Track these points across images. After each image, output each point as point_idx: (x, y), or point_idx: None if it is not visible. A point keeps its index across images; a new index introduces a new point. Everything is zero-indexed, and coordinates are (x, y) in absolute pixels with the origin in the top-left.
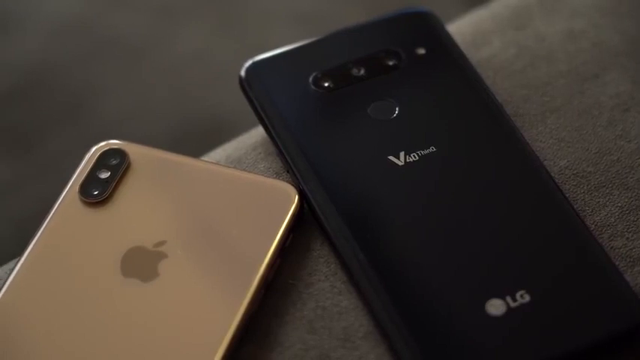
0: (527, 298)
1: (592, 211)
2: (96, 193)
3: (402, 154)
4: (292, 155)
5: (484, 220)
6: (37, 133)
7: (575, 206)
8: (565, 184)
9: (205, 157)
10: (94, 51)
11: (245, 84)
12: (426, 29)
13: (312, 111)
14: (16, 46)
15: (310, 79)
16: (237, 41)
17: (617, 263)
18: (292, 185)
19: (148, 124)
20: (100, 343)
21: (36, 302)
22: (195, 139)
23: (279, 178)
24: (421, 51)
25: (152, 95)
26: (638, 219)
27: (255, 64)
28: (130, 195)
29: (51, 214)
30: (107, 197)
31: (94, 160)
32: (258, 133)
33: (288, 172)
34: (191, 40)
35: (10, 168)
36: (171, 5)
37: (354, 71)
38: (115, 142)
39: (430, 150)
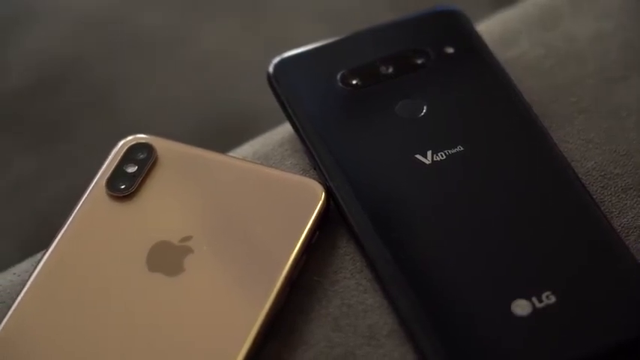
0: (552, 299)
1: (619, 213)
2: (123, 187)
3: (429, 152)
4: (319, 152)
5: (510, 221)
6: (63, 125)
7: (602, 208)
8: (592, 185)
9: (232, 153)
10: (121, 45)
11: (273, 80)
12: (455, 28)
13: (339, 108)
14: (44, 39)
15: (338, 76)
16: (263, 38)
17: None
18: (319, 182)
19: (172, 120)
20: (125, 335)
21: (62, 294)
22: (219, 135)
23: (305, 175)
24: (450, 50)
25: (177, 90)
26: None
27: (283, 60)
28: (156, 189)
29: (77, 208)
30: (134, 191)
31: (121, 154)
32: (285, 129)
33: (314, 169)
34: (217, 36)
35: (36, 160)
36: (198, 1)
37: (382, 69)
38: (142, 137)
39: (457, 149)
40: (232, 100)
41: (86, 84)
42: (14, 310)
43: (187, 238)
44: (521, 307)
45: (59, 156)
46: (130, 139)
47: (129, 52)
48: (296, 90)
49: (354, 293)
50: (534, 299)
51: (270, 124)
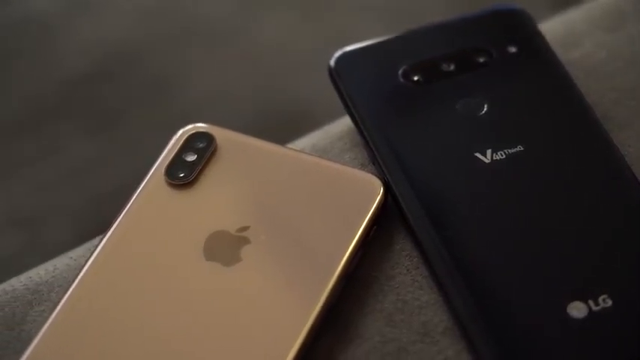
0: (609, 302)
1: None
2: (182, 175)
3: (488, 151)
4: (379, 147)
5: (569, 222)
6: (120, 113)
7: None
8: None
9: (291, 145)
10: (180, 34)
11: (334, 74)
12: (518, 27)
13: (400, 104)
14: (104, 26)
15: (400, 72)
16: (320, 31)
17: None
18: (378, 177)
19: (229, 110)
20: (180, 323)
21: (118, 280)
22: (275, 126)
23: (364, 170)
24: (512, 49)
25: (235, 81)
26: None
27: (345, 54)
28: (215, 179)
29: (136, 194)
30: (192, 180)
31: (180, 143)
32: (343, 123)
33: (373, 163)
34: (275, 28)
35: (94, 146)
36: None
37: (444, 66)
38: (202, 126)
39: (517, 149)
40: (289, 92)
41: (144, 72)
42: (70, 294)
43: (245, 229)
44: (577, 310)
45: (116, 143)
46: (189, 128)
47: (188, 42)
48: (357, 84)
49: (410, 289)
50: (591, 302)
51: (327, 117)
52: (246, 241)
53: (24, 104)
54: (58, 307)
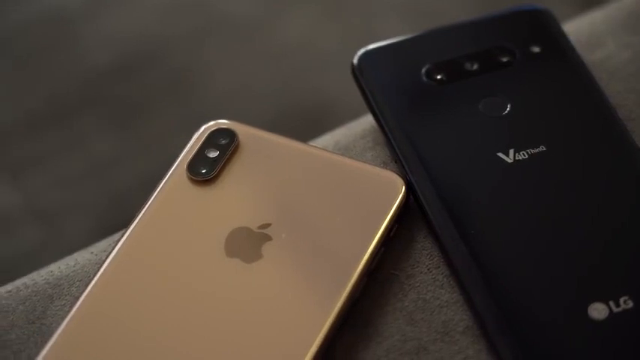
0: (630, 304)
1: None
2: (204, 171)
3: (511, 151)
4: (401, 146)
5: (590, 223)
6: (143, 108)
7: None
8: None
9: (313, 143)
10: (202, 30)
11: (357, 72)
12: (542, 27)
13: (423, 103)
14: (127, 22)
15: (423, 70)
16: (342, 29)
17: None
18: (399, 176)
19: (251, 107)
20: (200, 319)
21: (139, 275)
22: (295, 124)
23: (386, 168)
24: (536, 49)
25: (257, 78)
26: None
27: (368, 52)
28: (237, 175)
29: (158, 190)
30: (214, 176)
31: (203, 139)
32: (366, 121)
33: (395, 162)
34: (297, 26)
35: (114, 141)
36: None
37: (467, 65)
38: (224, 122)
39: (540, 149)
40: (311, 89)
41: (167, 68)
42: (91, 288)
43: (266, 225)
44: (598, 311)
45: (138, 138)
46: (212, 124)
47: (210, 38)
48: (380, 82)
49: (430, 288)
50: (611, 303)
51: (349, 115)
52: (267, 238)
53: (45, 100)
54: (79, 302)
